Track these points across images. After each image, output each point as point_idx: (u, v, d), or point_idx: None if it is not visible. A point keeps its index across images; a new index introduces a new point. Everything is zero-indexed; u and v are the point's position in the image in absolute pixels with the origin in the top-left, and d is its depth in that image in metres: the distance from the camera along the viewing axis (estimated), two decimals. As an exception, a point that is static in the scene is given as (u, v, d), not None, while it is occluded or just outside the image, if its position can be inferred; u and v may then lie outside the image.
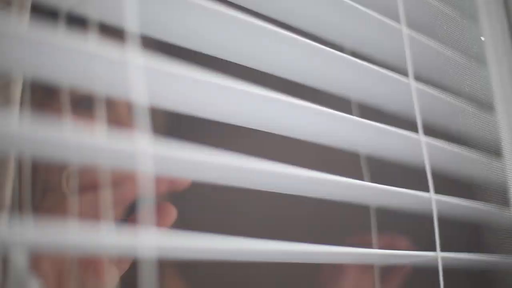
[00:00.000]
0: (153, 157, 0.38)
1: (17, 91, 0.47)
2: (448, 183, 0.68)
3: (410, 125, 0.63)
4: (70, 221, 0.40)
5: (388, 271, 0.74)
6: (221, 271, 0.81)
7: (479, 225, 0.74)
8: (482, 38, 0.86)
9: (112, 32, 0.43)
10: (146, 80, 0.40)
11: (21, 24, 0.36)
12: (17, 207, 0.42)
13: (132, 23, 0.40)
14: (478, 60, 0.83)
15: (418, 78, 0.66)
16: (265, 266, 0.74)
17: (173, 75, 0.42)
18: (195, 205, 0.79)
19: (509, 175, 0.81)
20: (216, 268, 0.78)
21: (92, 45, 0.38)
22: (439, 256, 0.60)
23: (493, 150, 0.80)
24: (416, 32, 0.68)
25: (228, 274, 0.86)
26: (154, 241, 0.37)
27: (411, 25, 0.67)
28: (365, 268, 0.76)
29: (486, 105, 0.82)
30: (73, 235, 0.35)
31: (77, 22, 0.43)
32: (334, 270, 0.78)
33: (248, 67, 0.55)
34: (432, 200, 0.61)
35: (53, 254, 0.41)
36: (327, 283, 0.79)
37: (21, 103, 0.47)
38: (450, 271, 0.61)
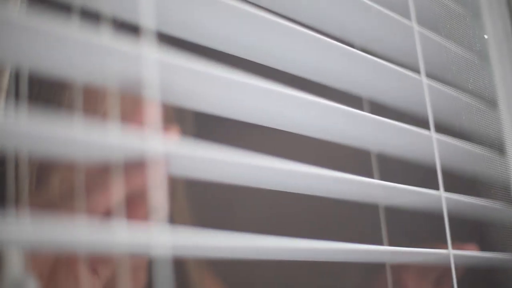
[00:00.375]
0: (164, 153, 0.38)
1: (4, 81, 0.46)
2: (454, 181, 0.68)
3: (421, 122, 0.63)
4: (78, 219, 0.39)
5: (442, 277, 0.73)
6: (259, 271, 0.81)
7: (487, 224, 0.74)
8: (486, 36, 0.86)
9: (127, 26, 0.42)
10: (160, 75, 0.40)
11: (32, 16, 0.35)
12: (14, 204, 0.41)
13: (147, 18, 0.40)
14: (481, 58, 0.83)
15: (429, 75, 0.65)
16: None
17: (187, 70, 0.41)
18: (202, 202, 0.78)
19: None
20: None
21: (105, 39, 0.38)
22: (451, 254, 0.59)
23: (497, 147, 0.79)
24: (426, 29, 0.67)
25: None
26: (168, 239, 0.37)
27: (421, 22, 0.67)
28: (422, 276, 0.75)
29: (489, 102, 0.82)
30: (83, 233, 0.34)
31: (91, 15, 0.42)
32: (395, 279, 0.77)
33: (261, 64, 0.55)
34: (442, 198, 0.61)
35: (50, 253, 0.41)
36: None
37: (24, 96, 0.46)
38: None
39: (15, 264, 0.38)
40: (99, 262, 0.44)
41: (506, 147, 0.82)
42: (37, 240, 0.33)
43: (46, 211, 0.41)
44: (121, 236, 0.36)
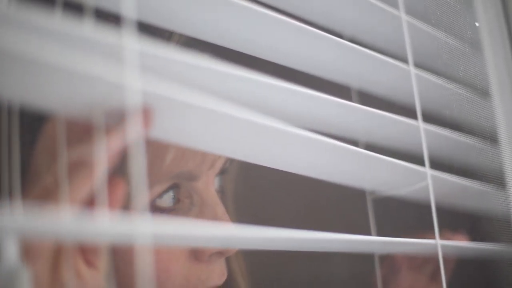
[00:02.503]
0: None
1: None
2: (445, 170, 0.68)
3: (409, 112, 0.63)
4: (64, 208, 0.39)
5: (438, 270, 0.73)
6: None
7: (476, 213, 0.74)
8: (477, 24, 0.85)
9: (109, 17, 0.42)
10: (141, 65, 0.40)
11: (14, 8, 0.35)
12: (7, 193, 0.41)
13: (128, 8, 0.40)
14: (473, 46, 0.82)
15: (417, 64, 0.65)
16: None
17: (168, 60, 0.41)
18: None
19: (505, 160, 0.81)
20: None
21: (87, 30, 0.38)
22: (438, 244, 0.59)
23: (489, 136, 0.79)
24: (414, 18, 0.67)
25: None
26: (150, 228, 0.37)
27: (409, 11, 0.67)
28: (417, 269, 0.75)
29: (481, 91, 0.82)
30: (67, 222, 0.34)
31: (73, 7, 0.42)
32: (388, 271, 0.77)
33: (245, 53, 0.55)
34: (429, 186, 0.61)
35: (46, 242, 0.41)
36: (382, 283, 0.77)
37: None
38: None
39: (10, 254, 0.38)
40: (93, 254, 0.44)
41: (499, 135, 0.82)
42: (26, 229, 0.33)
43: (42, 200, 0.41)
44: (104, 225, 0.36)
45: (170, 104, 0.41)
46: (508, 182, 0.79)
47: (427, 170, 0.60)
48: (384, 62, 0.62)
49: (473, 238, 0.71)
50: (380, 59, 0.61)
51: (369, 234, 0.70)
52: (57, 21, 0.36)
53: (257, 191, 0.89)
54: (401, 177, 0.61)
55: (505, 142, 0.83)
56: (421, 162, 0.61)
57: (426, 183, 0.59)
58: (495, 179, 0.77)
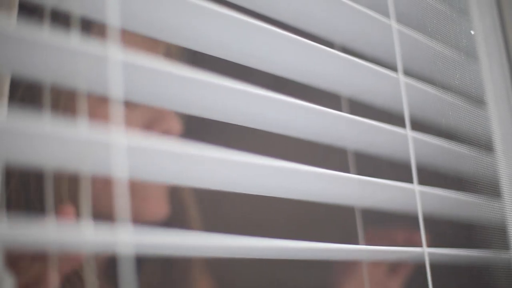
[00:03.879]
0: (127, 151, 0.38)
1: (4, 87, 0.47)
2: (437, 179, 0.68)
3: (399, 120, 0.63)
4: (47, 219, 0.40)
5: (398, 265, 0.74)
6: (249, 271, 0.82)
7: (468, 221, 0.74)
8: (472, 32, 0.85)
9: (95, 28, 0.42)
10: (125, 75, 0.40)
11: (4, 20, 0.35)
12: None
13: (113, 18, 0.40)
14: (468, 54, 0.82)
15: (407, 72, 0.65)
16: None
17: (152, 70, 0.42)
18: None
19: (500, 168, 0.81)
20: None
21: (72, 40, 0.38)
22: (425, 252, 0.60)
23: (484, 145, 0.79)
24: (406, 27, 0.68)
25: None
26: (132, 237, 0.37)
27: (400, 20, 0.67)
28: (376, 263, 0.76)
29: (477, 100, 0.82)
30: (51, 232, 0.35)
31: (59, 18, 0.43)
32: (346, 268, 0.78)
33: (234, 63, 0.55)
34: (416, 193, 0.61)
35: (31, 252, 0.41)
36: (339, 280, 0.78)
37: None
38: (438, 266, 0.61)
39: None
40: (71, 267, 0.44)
41: (494, 143, 0.82)
42: (12, 239, 0.34)
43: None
44: (87, 235, 0.36)
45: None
46: (503, 191, 0.79)
47: (415, 187, 0.60)
48: (374, 70, 0.62)
49: (467, 246, 0.71)
50: (369, 68, 0.61)
51: (356, 242, 0.70)
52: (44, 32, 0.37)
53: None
54: (390, 195, 0.61)
55: (500, 151, 0.83)
56: (410, 172, 0.61)
57: (415, 201, 0.60)
58: (490, 188, 0.77)
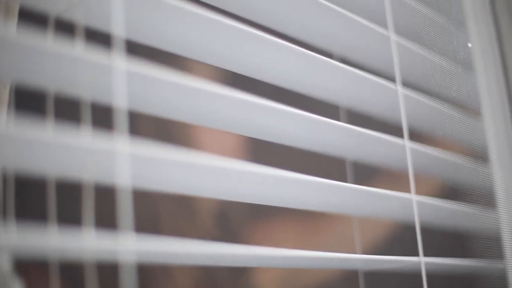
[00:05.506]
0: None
1: (5, 95, 0.47)
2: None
3: (397, 130, 0.64)
4: (51, 226, 0.40)
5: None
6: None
7: (464, 231, 0.75)
8: (469, 45, 0.86)
9: (100, 38, 0.43)
10: (129, 84, 0.41)
11: (7, 29, 0.36)
12: (1, 211, 0.42)
13: (118, 28, 0.41)
14: (465, 66, 0.83)
15: (406, 84, 0.66)
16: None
17: (156, 80, 0.42)
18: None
19: (496, 179, 0.81)
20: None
21: (77, 50, 0.39)
22: (422, 262, 0.60)
23: (480, 155, 0.80)
24: (404, 38, 0.68)
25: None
26: (133, 245, 0.38)
27: (399, 31, 0.68)
28: None
29: (473, 111, 0.82)
30: (54, 239, 0.35)
31: (64, 27, 0.43)
32: None
33: (235, 73, 0.56)
34: (413, 202, 0.62)
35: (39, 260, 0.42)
36: None
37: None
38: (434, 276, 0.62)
39: (3, 265, 0.39)
40: None
41: (490, 154, 0.83)
42: (18, 245, 0.34)
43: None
44: (90, 243, 0.36)
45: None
46: (499, 201, 0.80)
47: (413, 196, 0.60)
48: (372, 81, 0.63)
49: (463, 255, 0.71)
50: (368, 79, 0.62)
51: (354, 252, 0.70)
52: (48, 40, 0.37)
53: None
54: (387, 204, 0.62)
55: (495, 161, 0.83)
56: (407, 182, 0.62)
57: (412, 210, 0.60)
58: (485, 198, 0.78)
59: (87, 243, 0.36)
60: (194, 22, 0.47)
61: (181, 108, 0.46)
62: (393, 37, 0.66)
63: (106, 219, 0.42)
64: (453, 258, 0.67)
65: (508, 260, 0.76)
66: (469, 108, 0.81)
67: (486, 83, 0.86)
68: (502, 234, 0.79)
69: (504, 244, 0.78)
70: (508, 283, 0.75)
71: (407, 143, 0.62)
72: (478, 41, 0.87)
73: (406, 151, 0.62)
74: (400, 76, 0.65)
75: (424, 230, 0.60)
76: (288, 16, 0.61)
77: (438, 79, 0.75)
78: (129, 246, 0.37)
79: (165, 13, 0.45)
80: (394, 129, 0.64)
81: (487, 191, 0.79)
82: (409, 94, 0.66)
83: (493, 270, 0.75)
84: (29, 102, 0.60)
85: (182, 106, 0.46)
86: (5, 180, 0.43)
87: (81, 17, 0.43)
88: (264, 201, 0.53)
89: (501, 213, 0.80)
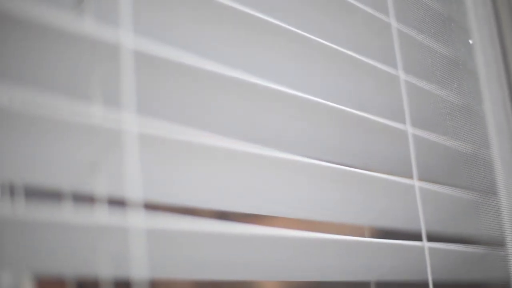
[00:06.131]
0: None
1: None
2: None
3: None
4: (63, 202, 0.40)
5: None
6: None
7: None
8: (470, 42, 0.87)
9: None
10: (148, 248, 0.39)
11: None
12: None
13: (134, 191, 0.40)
14: (466, 64, 0.83)
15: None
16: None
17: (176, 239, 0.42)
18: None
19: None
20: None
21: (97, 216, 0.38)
22: (425, 246, 0.61)
23: (482, 157, 0.80)
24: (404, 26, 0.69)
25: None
26: (144, 222, 0.38)
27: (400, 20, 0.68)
28: None
29: (475, 112, 0.82)
30: (65, 213, 0.36)
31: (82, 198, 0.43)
32: None
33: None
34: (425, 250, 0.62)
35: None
36: None
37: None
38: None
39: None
40: None
41: (492, 153, 0.82)
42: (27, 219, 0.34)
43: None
44: (100, 219, 0.37)
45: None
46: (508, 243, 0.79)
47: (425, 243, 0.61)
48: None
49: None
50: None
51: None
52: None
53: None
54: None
55: (497, 159, 0.83)
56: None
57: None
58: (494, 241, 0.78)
59: (97, 218, 0.37)
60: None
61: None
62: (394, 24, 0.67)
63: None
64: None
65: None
66: (473, 109, 0.80)
67: (487, 81, 0.86)
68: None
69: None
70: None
71: (416, 183, 0.64)
72: (479, 38, 0.88)
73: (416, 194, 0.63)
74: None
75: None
76: (291, 8, 0.60)
77: (439, 74, 0.76)
78: (139, 222, 0.38)
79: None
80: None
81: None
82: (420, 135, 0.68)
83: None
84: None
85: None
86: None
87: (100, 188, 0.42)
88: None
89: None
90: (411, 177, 0.64)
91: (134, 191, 0.39)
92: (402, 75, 0.66)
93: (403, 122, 0.66)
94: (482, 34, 0.88)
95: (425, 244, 0.62)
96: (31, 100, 0.36)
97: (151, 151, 0.42)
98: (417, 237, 0.63)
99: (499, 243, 0.77)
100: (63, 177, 0.40)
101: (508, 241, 0.78)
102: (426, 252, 0.62)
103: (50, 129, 0.37)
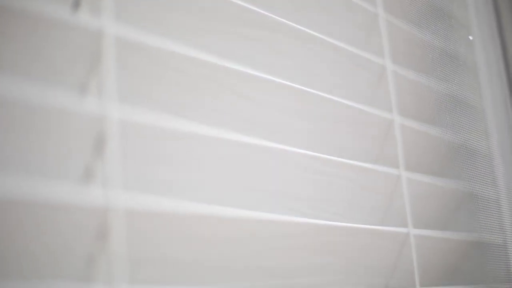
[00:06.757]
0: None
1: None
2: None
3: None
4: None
5: None
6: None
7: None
8: (470, 38, 0.87)
9: None
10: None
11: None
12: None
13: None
14: (466, 60, 0.83)
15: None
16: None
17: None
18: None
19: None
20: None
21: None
22: (410, 233, 0.61)
23: (483, 158, 0.80)
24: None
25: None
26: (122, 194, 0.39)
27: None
28: None
29: (474, 106, 0.82)
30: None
31: None
32: None
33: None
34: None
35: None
36: None
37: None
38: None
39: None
40: None
41: (492, 153, 0.82)
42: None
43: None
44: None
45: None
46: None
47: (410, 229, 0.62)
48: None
49: None
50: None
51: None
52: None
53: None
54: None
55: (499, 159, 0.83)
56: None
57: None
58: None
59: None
60: None
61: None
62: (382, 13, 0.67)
63: None
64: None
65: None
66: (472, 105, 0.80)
67: (487, 77, 0.86)
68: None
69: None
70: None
71: (411, 231, 0.63)
72: (479, 35, 0.88)
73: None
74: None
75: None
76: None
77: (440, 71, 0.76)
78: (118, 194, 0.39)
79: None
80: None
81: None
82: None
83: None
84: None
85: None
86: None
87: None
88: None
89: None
90: (397, 167, 0.65)
91: (115, 178, 0.40)
92: (389, 66, 0.67)
93: (390, 111, 0.66)
94: (482, 30, 0.88)
95: (411, 230, 0.63)
96: (11, 87, 0.37)
97: (133, 137, 0.43)
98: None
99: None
100: (45, 163, 0.40)
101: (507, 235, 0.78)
102: (412, 240, 0.62)
103: (30, 115, 0.38)
